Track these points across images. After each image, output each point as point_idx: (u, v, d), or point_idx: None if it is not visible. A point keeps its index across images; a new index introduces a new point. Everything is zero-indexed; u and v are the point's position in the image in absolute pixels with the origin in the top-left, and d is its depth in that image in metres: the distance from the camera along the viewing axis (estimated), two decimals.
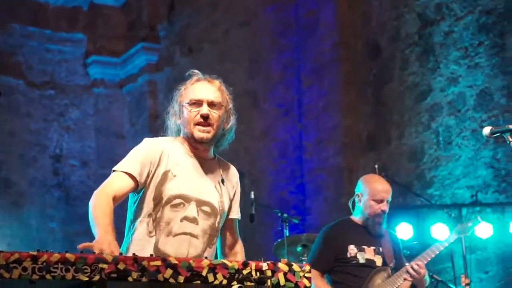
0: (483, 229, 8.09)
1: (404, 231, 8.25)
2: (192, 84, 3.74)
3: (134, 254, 2.97)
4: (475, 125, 9.26)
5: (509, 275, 8.88)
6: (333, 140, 10.61)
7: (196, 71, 3.80)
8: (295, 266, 3.24)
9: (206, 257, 3.19)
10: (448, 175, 9.71)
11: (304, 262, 3.68)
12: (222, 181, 3.74)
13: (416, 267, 4.87)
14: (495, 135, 4.08)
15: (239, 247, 3.86)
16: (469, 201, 9.38)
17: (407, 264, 4.95)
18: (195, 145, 3.73)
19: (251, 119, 10.28)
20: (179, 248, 3.52)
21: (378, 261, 5.01)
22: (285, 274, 3.20)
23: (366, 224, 5.03)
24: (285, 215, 6.41)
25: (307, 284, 3.22)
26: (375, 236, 5.06)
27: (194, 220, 3.60)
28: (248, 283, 3.13)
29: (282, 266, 3.21)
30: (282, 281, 3.19)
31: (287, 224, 6.35)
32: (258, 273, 3.15)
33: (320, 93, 10.77)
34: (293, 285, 3.20)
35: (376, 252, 5.04)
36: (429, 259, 4.97)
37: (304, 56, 10.92)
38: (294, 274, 3.22)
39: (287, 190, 10.40)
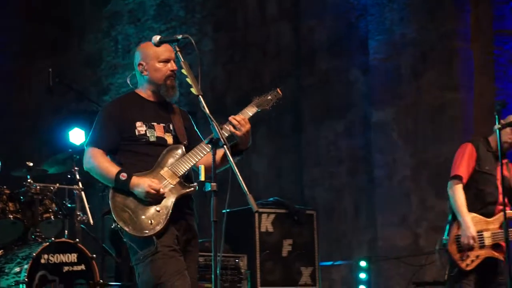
0: None
1: (77, 136, 8.24)
2: None
3: None
4: (154, 35, 9.38)
5: None
6: (10, 43, 10.20)
7: None
8: None
9: None
10: (124, 83, 9.82)
11: None
12: None
13: (239, 118, 4.24)
14: (163, 43, 4.15)
15: None
16: None
17: (230, 117, 4.45)
18: None
19: None
20: None
21: (169, 139, 4.37)
22: None
23: (158, 95, 4.40)
24: None
25: None
26: (165, 112, 4.42)
27: None
28: None
29: None
30: None
31: None
32: None
33: None
34: None
35: (166, 130, 4.40)
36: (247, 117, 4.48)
37: None
38: None
39: None
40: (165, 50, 4.42)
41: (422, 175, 7.20)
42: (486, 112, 6.77)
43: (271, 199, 7.23)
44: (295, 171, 8.54)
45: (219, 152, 4.22)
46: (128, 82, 4.66)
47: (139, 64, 4.43)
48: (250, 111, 4.36)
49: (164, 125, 4.41)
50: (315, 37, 8.47)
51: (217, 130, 3.83)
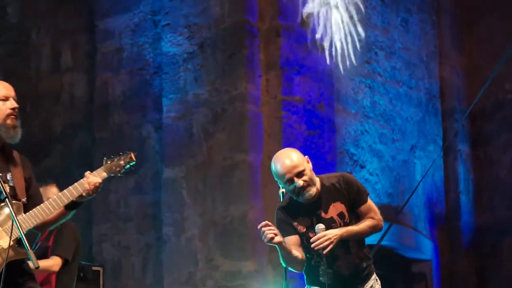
0: None
1: None
2: None
3: None
4: None
5: None
6: None
7: None
8: None
9: None
10: None
11: None
12: None
13: (93, 182, 4.04)
14: None
15: None
16: None
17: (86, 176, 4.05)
18: None
19: None
20: None
21: (7, 189, 3.93)
22: None
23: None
24: None
25: None
26: (4, 158, 3.99)
27: None
28: None
29: None
30: None
31: None
32: None
33: None
34: None
35: (3, 180, 3.93)
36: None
37: None
38: None
39: None
40: (3, 88, 4.09)
41: (210, 235, 7.28)
42: (273, 175, 6.98)
43: None
44: (83, 227, 8.35)
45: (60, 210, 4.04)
46: None
47: None
48: (100, 175, 4.14)
49: (1, 174, 3.99)
50: (110, 90, 8.42)
51: (3, 189, 3.75)
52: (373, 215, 4.57)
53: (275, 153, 6.97)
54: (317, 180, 4.53)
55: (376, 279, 4.68)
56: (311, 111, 7.64)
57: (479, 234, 9.91)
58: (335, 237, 4.36)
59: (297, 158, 4.47)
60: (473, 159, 10.18)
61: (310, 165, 4.52)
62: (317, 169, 7.51)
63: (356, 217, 4.56)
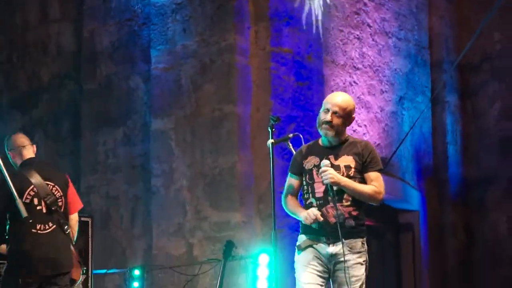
0: None
1: None
2: None
3: None
4: None
5: None
6: None
7: None
8: None
9: None
10: None
11: None
12: None
13: None
14: None
15: None
16: None
17: None
18: None
19: None
20: None
21: None
22: None
23: None
24: None
25: None
26: None
27: None
28: None
29: None
30: None
31: None
32: None
33: None
34: None
35: None
36: None
37: None
38: None
39: None
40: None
41: (198, 186, 7.32)
42: (262, 127, 7.00)
43: None
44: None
45: None
46: None
47: None
48: None
49: None
50: (97, 41, 8.37)
51: None
52: (377, 185, 4.75)
53: (263, 105, 6.98)
54: (345, 135, 4.82)
55: (365, 252, 4.77)
56: (299, 63, 7.63)
57: (466, 185, 9.99)
58: (334, 176, 4.62)
59: (345, 103, 4.76)
60: (461, 110, 10.21)
61: (347, 122, 4.79)
62: (306, 121, 7.57)
63: (361, 180, 4.77)
